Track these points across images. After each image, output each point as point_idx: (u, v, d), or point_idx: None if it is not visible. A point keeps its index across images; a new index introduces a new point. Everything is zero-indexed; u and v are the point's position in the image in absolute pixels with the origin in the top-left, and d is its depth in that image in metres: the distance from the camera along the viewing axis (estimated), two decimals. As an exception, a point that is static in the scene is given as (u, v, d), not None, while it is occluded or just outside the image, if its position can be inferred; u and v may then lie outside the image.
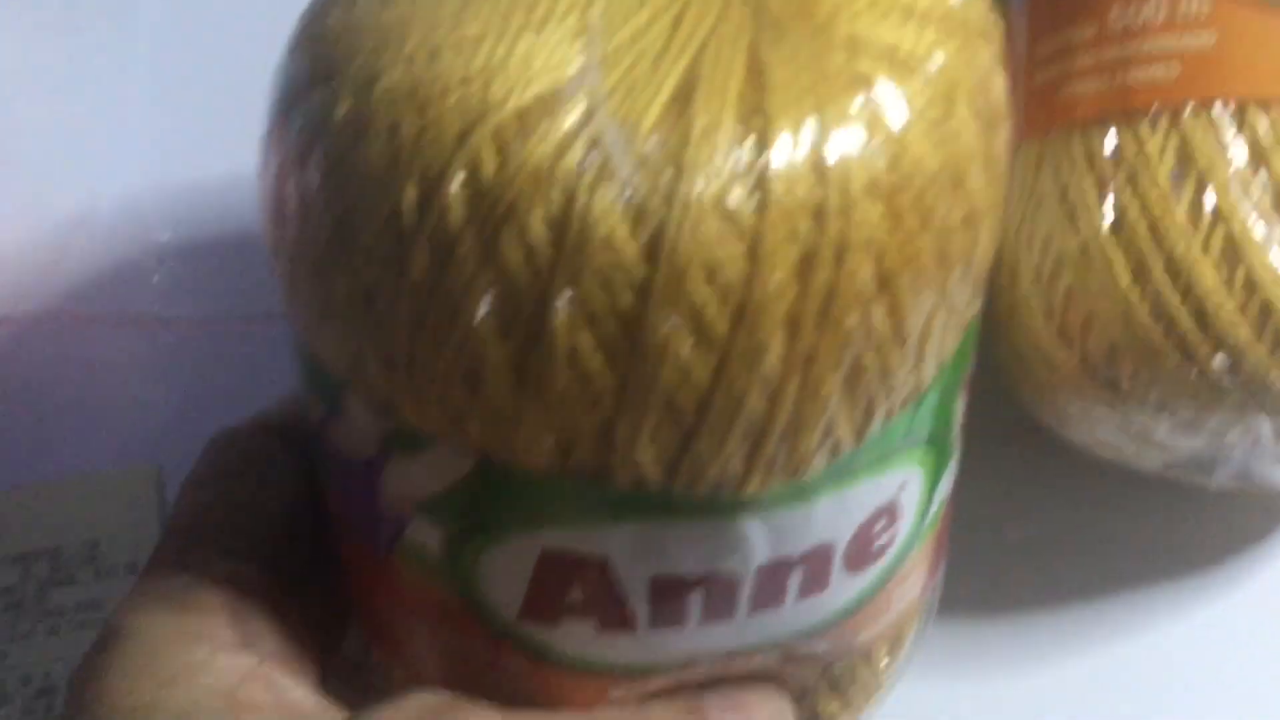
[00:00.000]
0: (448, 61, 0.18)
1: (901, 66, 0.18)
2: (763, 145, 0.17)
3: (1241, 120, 0.25)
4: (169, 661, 0.20)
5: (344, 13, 0.20)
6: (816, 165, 0.17)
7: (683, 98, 0.17)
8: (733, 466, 0.19)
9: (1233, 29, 0.26)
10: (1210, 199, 0.25)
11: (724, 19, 0.18)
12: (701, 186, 0.17)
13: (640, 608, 0.21)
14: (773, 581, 0.21)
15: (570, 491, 0.19)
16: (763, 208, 0.17)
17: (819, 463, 0.19)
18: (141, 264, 0.37)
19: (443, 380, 0.18)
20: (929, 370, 0.20)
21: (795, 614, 0.22)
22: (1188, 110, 0.26)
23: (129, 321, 0.36)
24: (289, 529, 0.23)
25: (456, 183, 0.17)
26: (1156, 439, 0.27)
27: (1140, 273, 0.26)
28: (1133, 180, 0.26)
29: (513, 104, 0.17)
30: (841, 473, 0.20)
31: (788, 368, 0.18)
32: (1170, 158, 0.26)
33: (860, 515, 0.21)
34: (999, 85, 0.20)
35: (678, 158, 0.17)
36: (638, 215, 0.17)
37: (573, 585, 0.20)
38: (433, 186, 0.17)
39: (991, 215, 0.20)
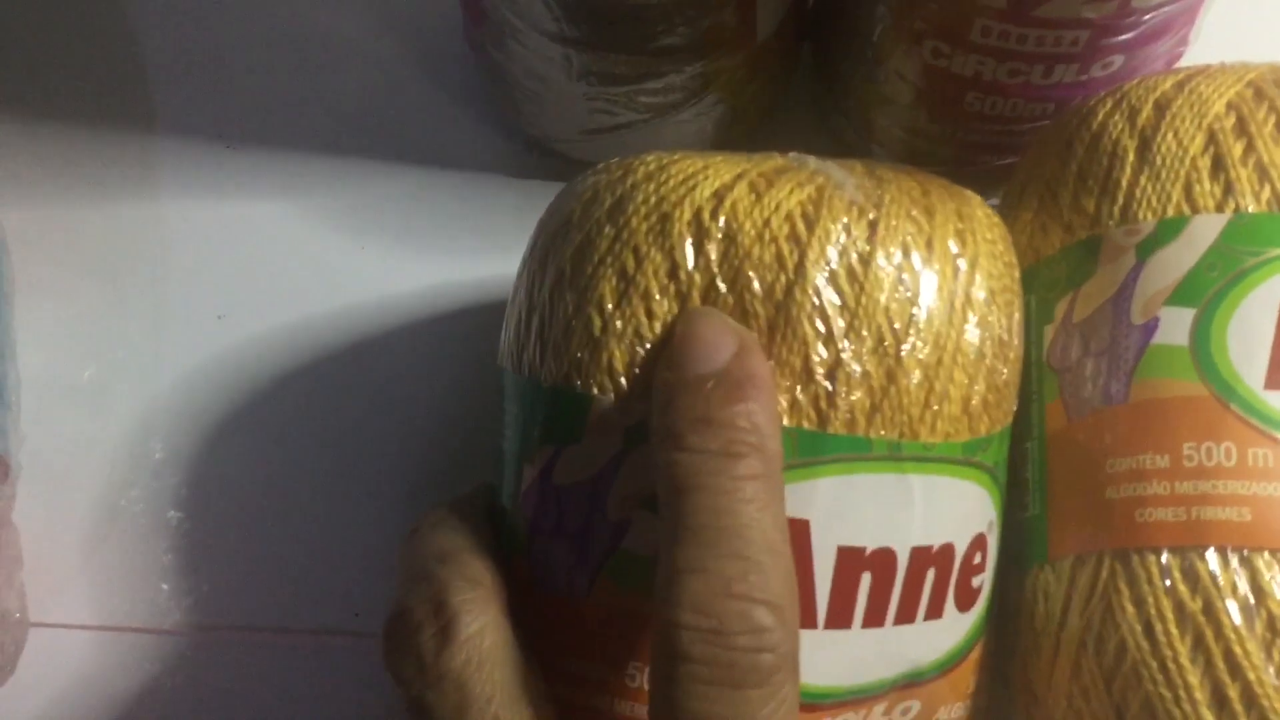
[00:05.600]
0: None
1: None
2: None
3: (1307, 567, 0.29)
4: None
5: None
6: None
7: None
8: None
9: (1296, 482, 0.29)
10: (1281, 638, 0.28)
11: None
12: None
13: None
14: None
15: None
16: None
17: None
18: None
19: None
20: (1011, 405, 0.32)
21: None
22: (1261, 555, 0.29)
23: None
24: None
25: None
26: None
27: (1218, 697, 0.28)
28: (1209, 609, 0.29)
29: None
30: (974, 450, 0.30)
31: None
32: (1244, 593, 0.29)
33: (972, 525, 0.30)
34: None
35: None
36: None
37: None
38: None
39: None
